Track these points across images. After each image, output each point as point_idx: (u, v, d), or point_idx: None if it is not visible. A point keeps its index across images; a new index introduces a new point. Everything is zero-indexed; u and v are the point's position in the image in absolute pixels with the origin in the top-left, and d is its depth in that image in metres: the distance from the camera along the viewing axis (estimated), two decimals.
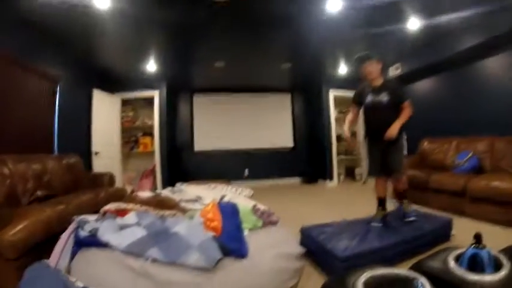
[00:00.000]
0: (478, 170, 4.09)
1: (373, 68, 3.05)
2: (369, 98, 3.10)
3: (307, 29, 4.13)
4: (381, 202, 3.21)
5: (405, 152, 3.19)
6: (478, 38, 4.11)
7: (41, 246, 2.30)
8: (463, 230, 3.09)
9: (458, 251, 1.44)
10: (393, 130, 2.87)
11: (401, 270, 1.29)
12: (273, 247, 2.09)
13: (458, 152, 4.50)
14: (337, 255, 2.22)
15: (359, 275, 1.25)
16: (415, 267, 1.42)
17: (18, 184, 2.97)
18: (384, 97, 3.01)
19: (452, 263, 1.35)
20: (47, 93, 4.27)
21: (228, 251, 1.83)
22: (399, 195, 3.19)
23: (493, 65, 4.42)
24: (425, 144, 5.17)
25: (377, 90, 3.06)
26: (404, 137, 3.09)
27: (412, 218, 2.91)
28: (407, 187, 3.18)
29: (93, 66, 5.42)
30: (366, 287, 1.16)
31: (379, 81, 3.09)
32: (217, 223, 2.23)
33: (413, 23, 4.05)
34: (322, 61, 5.91)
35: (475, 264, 1.33)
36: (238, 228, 2.23)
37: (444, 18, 3.89)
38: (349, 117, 3.35)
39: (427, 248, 2.61)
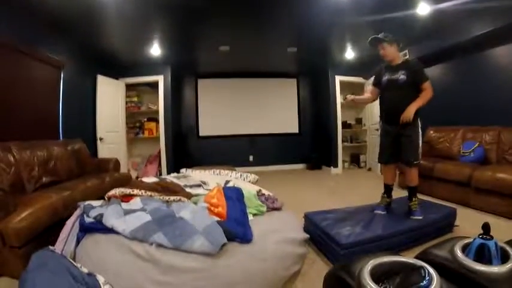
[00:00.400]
0: (483, 160, 4.04)
1: (385, 51, 2.94)
2: (385, 77, 3.00)
3: (314, 13, 4.04)
4: (387, 189, 3.18)
5: (420, 141, 2.92)
6: (489, 26, 3.98)
7: (46, 232, 2.32)
8: (467, 220, 3.10)
9: (465, 241, 1.43)
10: (409, 112, 2.75)
11: (408, 258, 1.28)
12: (277, 232, 2.09)
13: (464, 141, 4.45)
14: (340, 242, 2.23)
15: (365, 262, 1.24)
16: (421, 256, 1.41)
17: (23, 171, 2.99)
18: (400, 75, 2.88)
19: (459, 253, 1.34)
20: (51, 80, 4.26)
21: (233, 236, 1.84)
22: (409, 192, 3.00)
23: (503, 54, 4.28)
24: (431, 133, 5.11)
25: (394, 69, 2.94)
26: (419, 124, 2.91)
27: (417, 217, 2.75)
28: (418, 183, 3.00)
29: (97, 52, 5.36)
30: (372, 275, 1.15)
31: (397, 61, 2.97)
32: (222, 208, 2.23)
33: (423, 8, 3.93)
34: (328, 46, 5.81)
35: (481, 254, 1.31)
36: (243, 213, 2.23)
37: (455, 3, 3.77)
38: (365, 94, 3.28)
39: (430, 238, 2.62)
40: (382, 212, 2.95)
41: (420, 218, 2.74)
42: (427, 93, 2.82)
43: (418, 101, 2.79)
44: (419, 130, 2.91)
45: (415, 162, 2.91)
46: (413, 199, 2.92)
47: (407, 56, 5.47)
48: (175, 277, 1.63)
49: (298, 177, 6.70)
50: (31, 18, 3.75)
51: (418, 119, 2.88)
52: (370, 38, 2.96)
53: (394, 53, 2.95)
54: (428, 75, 2.88)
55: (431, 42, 4.97)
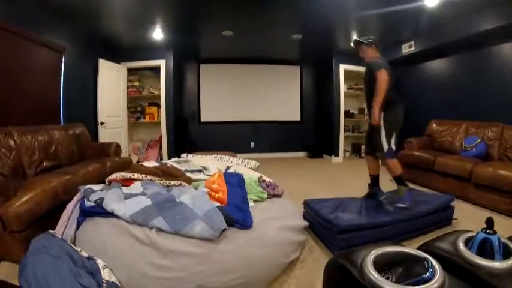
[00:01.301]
0: (485, 156, 4.03)
1: (362, 53, 3.20)
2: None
3: (320, 1, 3.97)
4: (371, 179, 3.28)
5: (383, 133, 2.94)
6: (497, 21, 3.91)
7: (47, 217, 2.32)
8: (466, 215, 3.12)
9: (468, 235, 1.42)
10: (374, 116, 2.85)
11: (411, 249, 1.27)
12: (277, 219, 2.10)
13: (467, 136, 4.42)
14: (339, 224, 2.25)
15: (367, 251, 1.23)
16: (424, 248, 1.40)
17: (24, 156, 2.97)
18: (365, 74, 3.15)
19: (462, 247, 1.33)
20: (52, 64, 4.21)
21: (233, 222, 1.84)
22: (395, 182, 3.05)
23: (509, 50, 4.20)
24: (434, 126, 5.08)
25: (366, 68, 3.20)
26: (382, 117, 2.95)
27: (402, 205, 2.78)
28: (400, 172, 2.99)
29: (99, 36, 5.28)
30: (374, 264, 1.14)
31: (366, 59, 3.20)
32: (223, 194, 2.23)
33: (431, 0, 3.85)
34: (334, 34, 5.71)
35: (484, 249, 1.31)
36: (244, 199, 2.23)
37: None
38: None
39: (429, 230, 2.64)
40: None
41: (404, 206, 2.77)
42: (378, 85, 2.84)
43: (376, 99, 2.84)
44: (383, 123, 2.93)
45: (377, 154, 3.04)
46: (400, 187, 2.95)
47: (413, 48, 5.43)
48: (175, 261, 1.64)
49: (299, 165, 6.70)
50: (31, 2, 3.67)
51: (383, 113, 2.91)
52: (353, 41, 3.26)
53: (369, 54, 3.15)
54: (381, 64, 2.93)
55: (437, 35, 4.90)
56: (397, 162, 2.98)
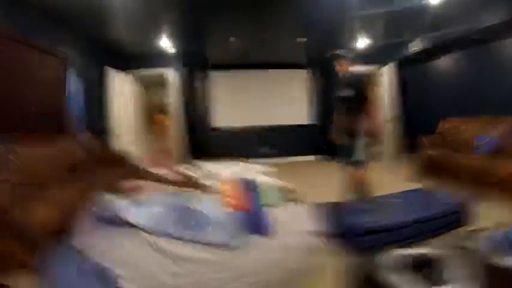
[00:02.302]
0: (498, 152, 3.94)
1: (341, 67, 3.44)
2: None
3: (324, 2, 3.97)
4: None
5: (362, 142, 3.24)
6: (503, 15, 3.86)
7: (61, 227, 2.32)
8: (483, 213, 3.02)
9: (488, 233, 1.39)
10: (381, 128, 2.92)
11: (431, 249, 1.26)
12: (293, 224, 2.08)
13: (479, 133, 4.36)
14: (357, 227, 2.23)
15: (389, 254, 1.22)
16: (447, 247, 1.38)
17: (34, 166, 2.95)
18: (345, 87, 3.37)
19: (482, 244, 1.31)
20: (58, 73, 4.26)
21: (248, 228, 1.83)
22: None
23: None
24: (445, 124, 5.03)
25: (342, 84, 3.44)
26: None
27: None
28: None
29: (106, 44, 5.37)
30: (397, 266, 1.13)
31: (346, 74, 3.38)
32: (237, 200, 2.22)
33: None
34: (338, 35, 5.72)
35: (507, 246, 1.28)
36: (258, 205, 2.21)
37: None
38: None
39: (448, 229, 2.56)
40: None
41: None
42: (372, 99, 3.14)
43: (376, 111, 3.18)
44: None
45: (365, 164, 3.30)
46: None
47: (420, 46, 5.39)
48: (190, 268, 1.63)
49: (313, 169, 6.67)
50: (36, 12, 3.75)
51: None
52: (330, 54, 3.44)
53: (346, 68, 3.42)
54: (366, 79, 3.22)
55: (443, 31, 4.86)
56: None
